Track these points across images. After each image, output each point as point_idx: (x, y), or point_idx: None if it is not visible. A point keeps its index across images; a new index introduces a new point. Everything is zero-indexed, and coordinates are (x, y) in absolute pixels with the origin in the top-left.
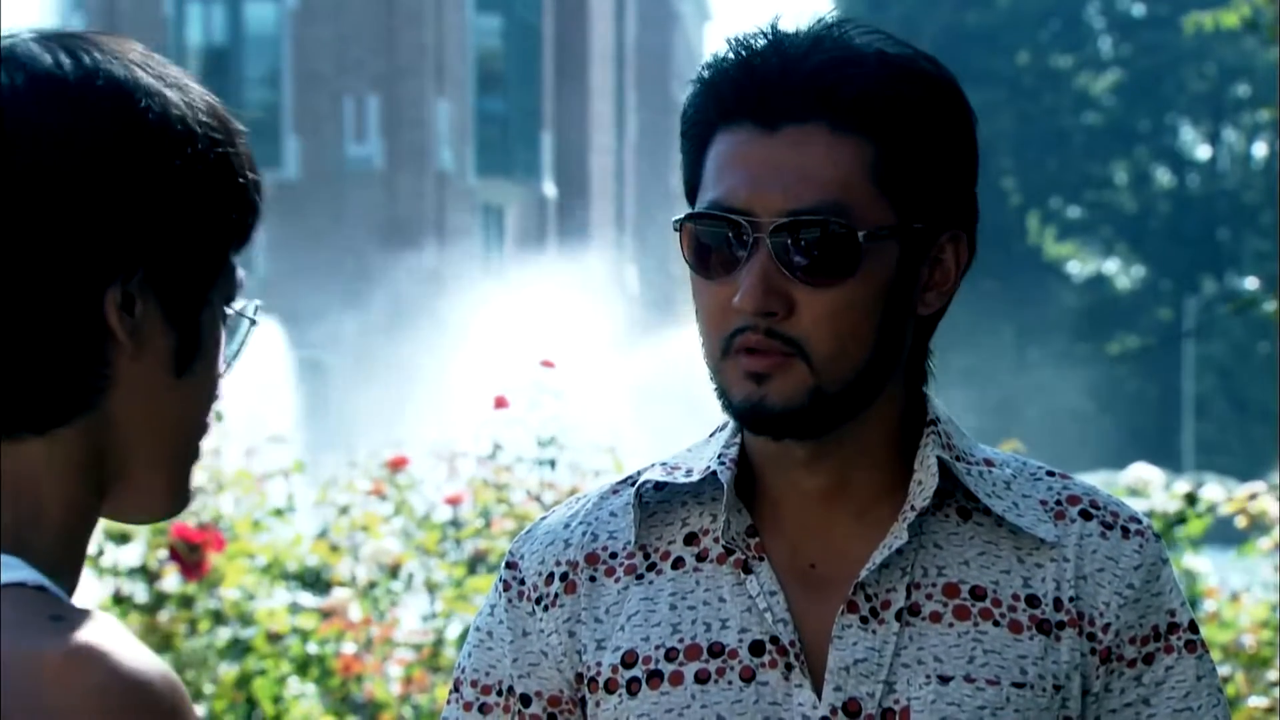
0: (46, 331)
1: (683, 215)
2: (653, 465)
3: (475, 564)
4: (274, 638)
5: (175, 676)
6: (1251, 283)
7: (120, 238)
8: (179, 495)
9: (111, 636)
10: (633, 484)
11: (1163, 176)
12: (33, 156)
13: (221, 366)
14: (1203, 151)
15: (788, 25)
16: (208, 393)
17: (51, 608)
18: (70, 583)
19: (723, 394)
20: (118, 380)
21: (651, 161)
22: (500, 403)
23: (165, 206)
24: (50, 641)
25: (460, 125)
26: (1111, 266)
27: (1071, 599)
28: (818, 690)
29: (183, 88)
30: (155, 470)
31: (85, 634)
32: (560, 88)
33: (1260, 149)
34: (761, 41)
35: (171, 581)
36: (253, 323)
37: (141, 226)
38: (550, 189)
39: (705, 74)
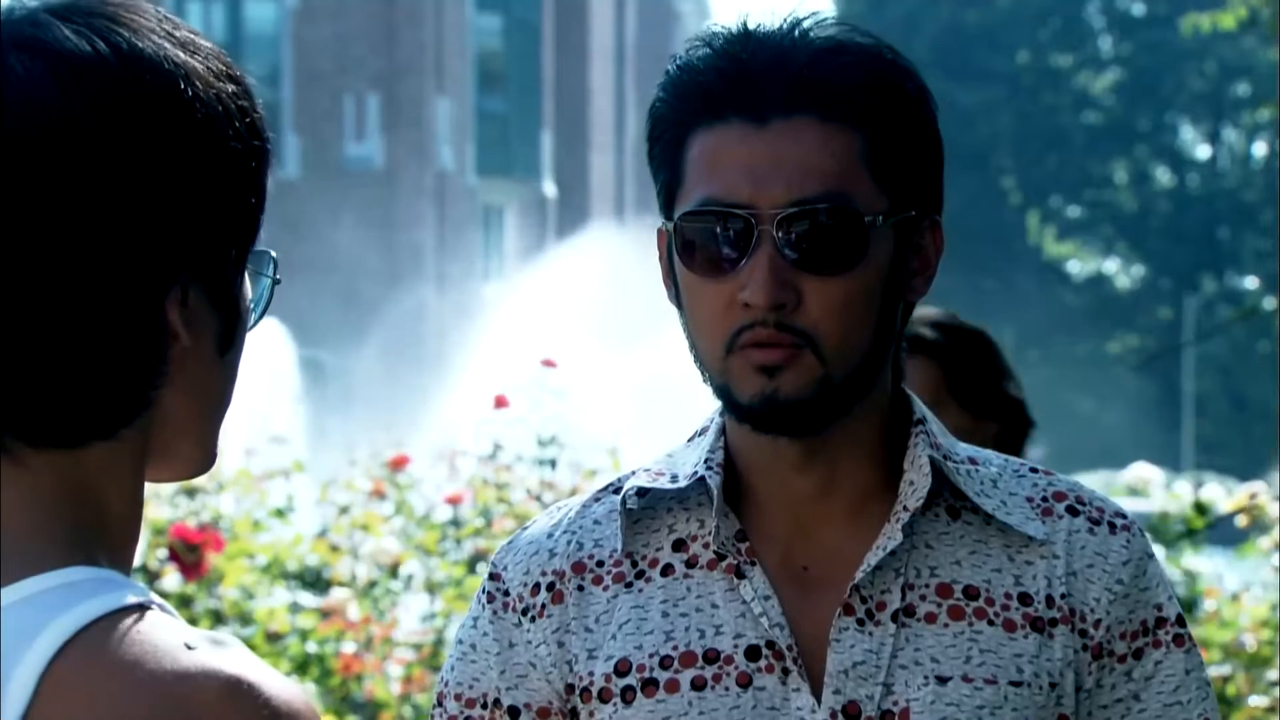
0: (114, 343)
1: (681, 213)
2: (634, 472)
3: (475, 564)
4: (274, 637)
5: (311, 699)
6: (1251, 282)
7: (179, 239)
8: (210, 457)
9: (255, 666)
10: (615, 491)
11: (1163, 176)
12: (90, 165)
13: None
14: (1203, 151)
15: (756, 22)
16: (241, 358)
17: (177, 632)
18: (129, 571)
19: (726, 393)
20: (173, 374)
21: None
22: (500, 402)
23: (216, 197)
24: (198, 672)
25: (460, 125)
26: (1111, 266)
27: (1063, 595)
28: (816, 694)
29: (204, 53)
30: (195, 441)
31: (232, 665)
32: (560, 88)
33: (1260, 148)
34: (738, 37)
35: (171, 581)
36: (275, 281)
37: (196, 222)
38: (550, 189)
39: (679, 75)
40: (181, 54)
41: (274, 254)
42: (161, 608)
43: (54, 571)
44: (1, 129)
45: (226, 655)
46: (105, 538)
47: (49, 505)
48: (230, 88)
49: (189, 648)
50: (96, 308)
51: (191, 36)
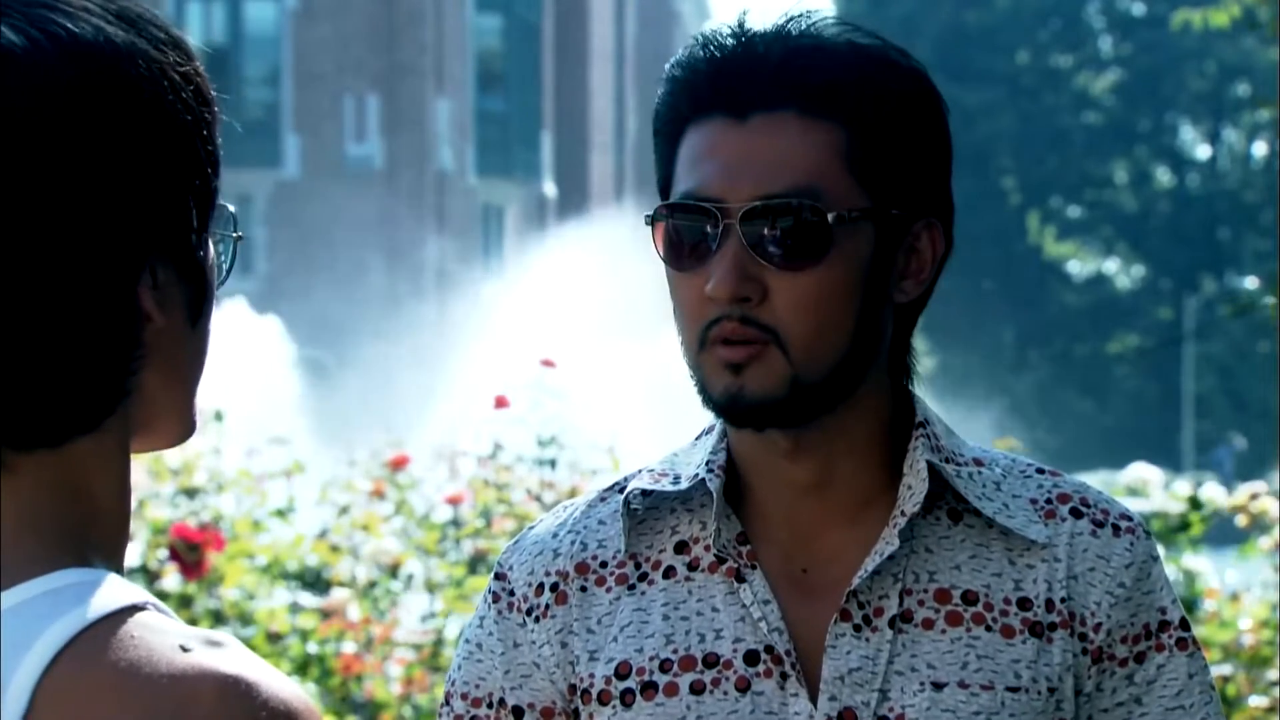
0: (91, 336)
1: (655, 208)
2: (639, 471)
3: (475, 564)
4: (274, 638)
5: (309, 698)
6: (1251, 282)
7: (143, 221)
8: (190, 426)
9: (252, 665)
10: (620, 491)
11: (1163, 176)
12: (44, 161)
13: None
14: (1203, 151)
15: (757, 20)
16: (211, 322)
17: (172, 633)
18: (122, 563)
19: (702, 388)
20: (149, 354)
21: (651, 161)
22: (500, 402)
23: (172, 173)
24: (193, 674)
25: (460, 125)
26: (1111, 266)
27: (1063, 599)
28: (814, 699)
29: (143, 24)
30: (174, 414)
31: (227, 665)
32: (560, 88)
33: (1260, 148)
34: (729, 35)
35: (171, 581)
36: (238, 238)
37: (157, 202)
38: (550, 189)
39: (675, 72)
40: (122, 32)
41: (232, 208)
42: (156, 607)
43: (45, 576)
44: None
45: (222, 656)
46: (96, 534)
47: (37, 508)
48: (172, 56)
49: (184, 650)
50: (70, 303)
51: (127, 6)
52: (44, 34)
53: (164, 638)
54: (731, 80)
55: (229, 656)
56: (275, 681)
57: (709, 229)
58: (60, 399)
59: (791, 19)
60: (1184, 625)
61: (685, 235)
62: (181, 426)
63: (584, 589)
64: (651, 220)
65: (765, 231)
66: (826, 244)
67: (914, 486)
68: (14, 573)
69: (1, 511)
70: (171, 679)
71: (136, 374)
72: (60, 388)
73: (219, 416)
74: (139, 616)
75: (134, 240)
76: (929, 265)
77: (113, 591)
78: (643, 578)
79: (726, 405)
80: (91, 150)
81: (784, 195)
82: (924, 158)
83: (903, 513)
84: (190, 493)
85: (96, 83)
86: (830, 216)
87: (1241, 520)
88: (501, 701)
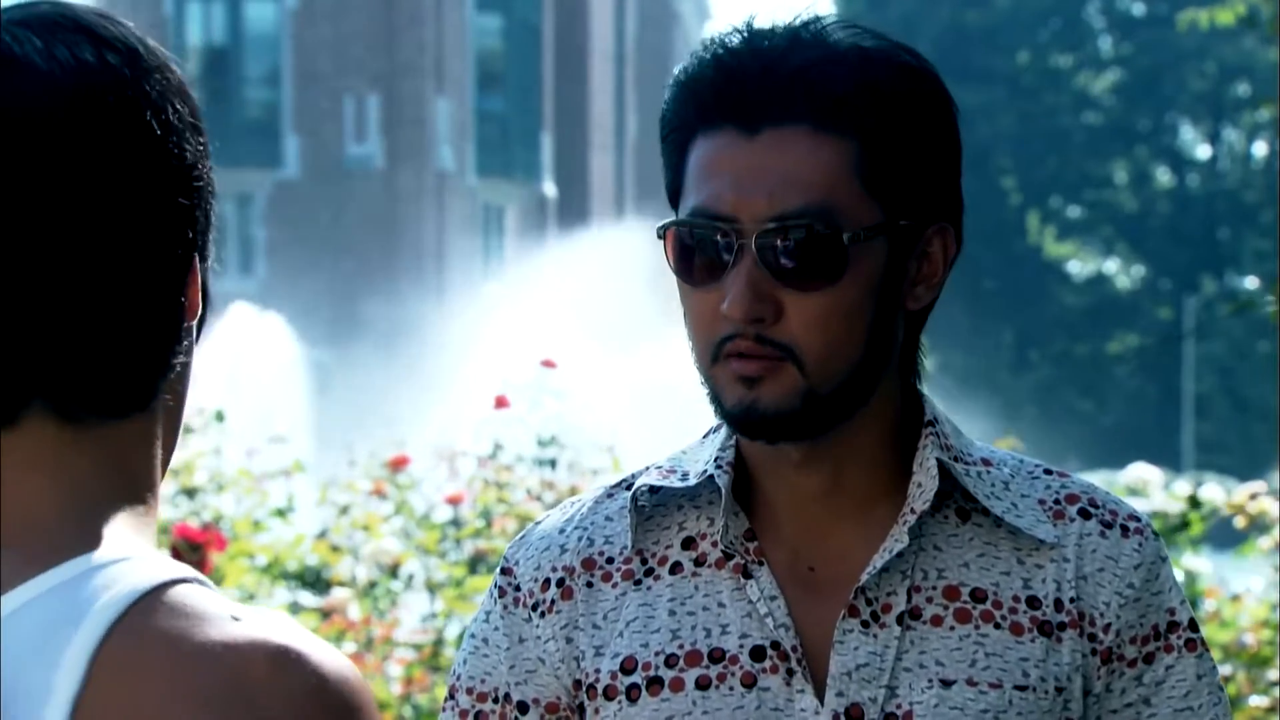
0: (151, 310)
1: (666, 222)
2: (647, 468)
3: (475, 564)
4: None
5: (357, 670)
6: (1251, 282)
7: (187, 210)
8: (174, 442)
9: (302, 636)
10: (628, 487)
11: (1163, 176)
12: (128, 155)
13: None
14: (1203, 151)
15: (764, 23)
16: (203, 323)
17: (221, 604)
18: (156, 545)
19: (715, 399)
20: (184, 336)
21: (651, 161)
22: (500, 403)
23: (196, 170)
24: (246, 644)
25: (460, 125)
26: (1111, 266)
27: (1072, 599)
28: (820, 695)
29: (148, 43)
30: (174, 426)
31: (279, 634)
32: (560, 88)
33: (1260, 148)
34: (738, 42)
35: None
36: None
37: (192, 193)
38: (550, 189)
39: (682, 77)
40: (133, 36)
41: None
42: (201, 582)
43: (94, 552)
44: (55, 124)
45: (274, 626)
46: (140, 516)
47: (93, 482)
48: (163, 58)
49: (235, 619)
50: (136, 276)
51: (121, 22)
52: (99, 43)
53: (215, 607)
54: (741, 92)
55: (280, 626)
56: (325, 652)
57: (721, 243)
58: (135, 367)
59: (801, 25)
60: (1192, 626)
61: (697, 249)
62: (174, 443)
63: (590, 584)
64: (662, 231)
65: (780, 250)
66: (842, 264)
67: (924, 484)
68: (65, 548)
69: (65, 478)
70: (225, 648)
71: (179, 357)
72: (128, 358)
73: (219, 416)
74: (187, 588)
75: (184, 224)
76: (941, 269)
77: (160, 565)
78: (649, 573)
79: (740, 417)
80: (159, 143)
81: (798, 214)
82: (936, 164)
83: (912, 510)
84: (190, 493)
85: (141, 83)
86: (845, 236)
87: (1240, 521)
88: (506, 697)
